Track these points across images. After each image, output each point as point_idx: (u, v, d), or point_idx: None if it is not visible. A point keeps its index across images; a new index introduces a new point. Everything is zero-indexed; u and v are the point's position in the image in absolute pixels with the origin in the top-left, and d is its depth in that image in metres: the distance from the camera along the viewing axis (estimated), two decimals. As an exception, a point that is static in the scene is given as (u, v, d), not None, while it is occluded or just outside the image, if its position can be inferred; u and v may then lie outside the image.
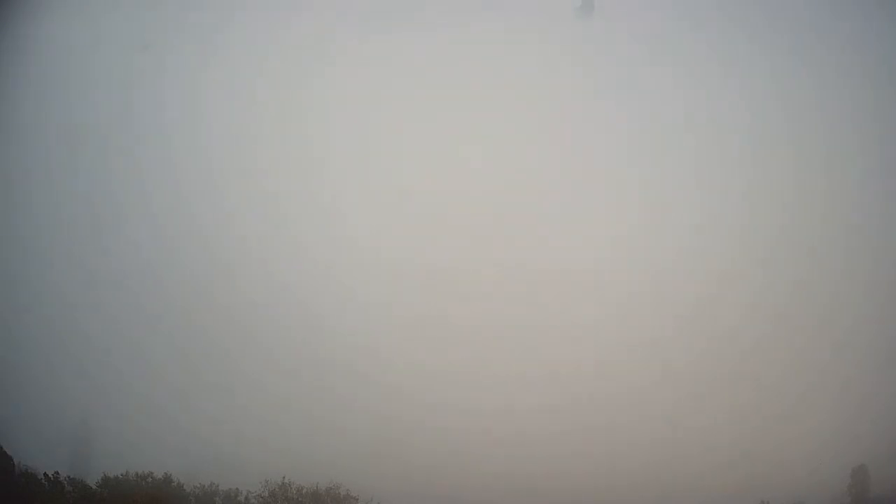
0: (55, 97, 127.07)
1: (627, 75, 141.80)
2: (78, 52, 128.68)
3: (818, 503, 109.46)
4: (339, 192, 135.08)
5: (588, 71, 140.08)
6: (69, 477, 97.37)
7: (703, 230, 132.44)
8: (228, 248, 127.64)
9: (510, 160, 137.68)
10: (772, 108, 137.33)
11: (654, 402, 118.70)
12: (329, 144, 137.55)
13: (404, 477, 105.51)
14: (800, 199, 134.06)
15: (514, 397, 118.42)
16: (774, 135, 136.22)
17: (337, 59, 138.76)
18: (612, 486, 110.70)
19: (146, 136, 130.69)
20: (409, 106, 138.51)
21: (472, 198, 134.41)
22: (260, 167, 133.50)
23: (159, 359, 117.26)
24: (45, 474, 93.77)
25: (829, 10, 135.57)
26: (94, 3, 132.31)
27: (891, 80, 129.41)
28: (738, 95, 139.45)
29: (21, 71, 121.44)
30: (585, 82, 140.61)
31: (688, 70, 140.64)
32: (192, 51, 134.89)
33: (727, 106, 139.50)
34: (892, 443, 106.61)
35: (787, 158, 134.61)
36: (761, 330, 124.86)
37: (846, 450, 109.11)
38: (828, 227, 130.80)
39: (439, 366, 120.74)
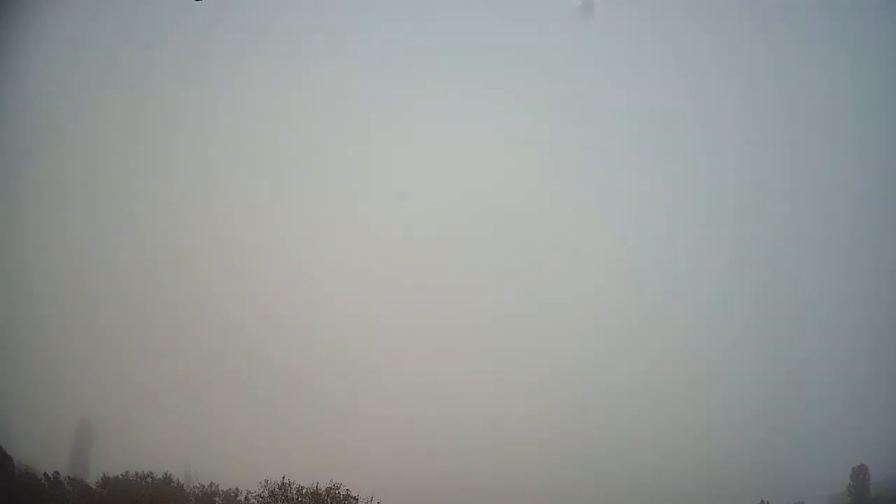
0: (55, 97, 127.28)
1: (627, 75, 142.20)
2: (77, 52, 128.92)
3: (818, 503, 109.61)
4: (337, 199, 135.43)
5: (588, 70, 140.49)
6: (69, 477, 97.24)
7: (705, 234, 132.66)
8: (229, 254, 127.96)
9: (509, 161, 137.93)
10: (774, 108, 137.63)
11: (656, 404, 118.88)
12: (326, 149, 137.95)
13: (404, 476, 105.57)
14: (802, 200, 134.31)
15: (512, 398, 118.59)
16: (776, 134, 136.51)
17: (334, 59, 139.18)
18: (613, 487, 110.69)
19: (147, 137, 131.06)
20: (409, 108, 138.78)
21: (468, 203, 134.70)
22: (257, 172, 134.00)
23: (159, 360, 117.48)
24: (45, 474, 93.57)
25: (832, 8, 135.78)
26: (94, 5, 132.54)
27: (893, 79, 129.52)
28: (739, 94, 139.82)
29: (21, 71, 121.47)
30: (585, 82, 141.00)
31: (689, 70, 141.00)
32: (195, 52, 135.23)
33: (728, 105, 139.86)
34: (892, 443, 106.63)
35: (789, 158, 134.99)
36: (762, 333, 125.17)
37: (846, 450, 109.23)
38: (828, 231, 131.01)
39: (438, 368, 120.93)
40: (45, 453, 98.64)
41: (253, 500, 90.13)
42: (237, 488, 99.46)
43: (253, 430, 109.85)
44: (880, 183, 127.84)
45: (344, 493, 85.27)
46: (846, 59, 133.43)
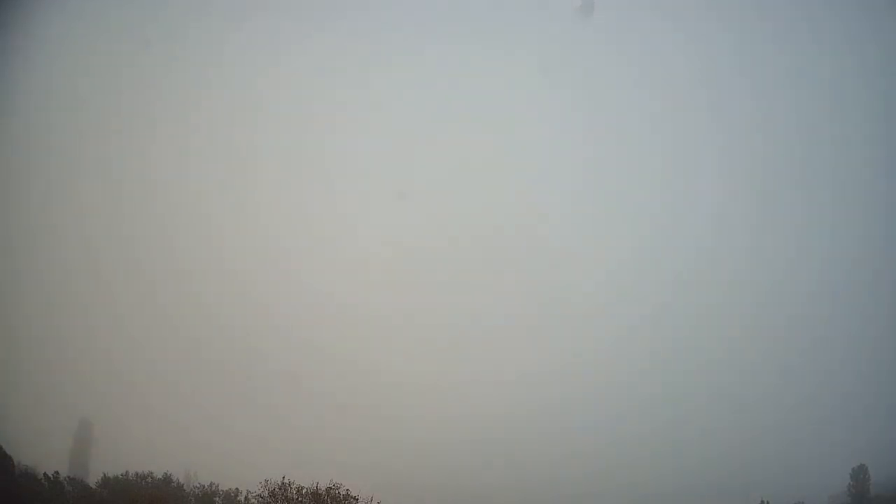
0: (54, 96, 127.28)
1: (628, 75, 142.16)
2: (76, 51, 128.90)
3: (818, 503, 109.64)
4: (336, 199, 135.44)
5: (588, 70, 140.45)
6: (69, 477, 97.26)
7: (704, 234, 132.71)
8: (228, 253, 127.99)
9: (509, 160, 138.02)
10: (779, 108, 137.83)
11: (656, 403, 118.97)
12: (326, 148, 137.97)
13: (404, 476, 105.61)
14: (802, 200, 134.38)
15: (512, 398, 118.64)
16: (778, 135, 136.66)
17: (335, 58, 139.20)
18: (612, 485, 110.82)
19: (145, 137, 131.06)
20: (409, 106, 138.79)
21: (468, 203, 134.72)
22: (256, 171, 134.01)
23: (159, 360, 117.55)
24: (45, 474, 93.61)
25: (836, 7, 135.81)
26: (93, 6, 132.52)
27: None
28: (741, 95, 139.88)
29: (20, 71, 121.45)
30: (585, 82, 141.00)
31: (690, 70, 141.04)
32: (196, 53, 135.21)
33: (729, 105, 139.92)
34: (892, 443, 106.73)
35: (790, 158, 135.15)
36: (763, 334, 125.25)
37: (846, 450, 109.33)
38: (832, 232, 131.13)
39: (438, 368, 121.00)
40: (45, 453, 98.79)
41: (253, 500, 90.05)
42: (237, 488, 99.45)
43: (253, 430, 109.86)
44: (881, 184, 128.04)
45: (344, 493, 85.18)
46: (851, 60, 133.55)
